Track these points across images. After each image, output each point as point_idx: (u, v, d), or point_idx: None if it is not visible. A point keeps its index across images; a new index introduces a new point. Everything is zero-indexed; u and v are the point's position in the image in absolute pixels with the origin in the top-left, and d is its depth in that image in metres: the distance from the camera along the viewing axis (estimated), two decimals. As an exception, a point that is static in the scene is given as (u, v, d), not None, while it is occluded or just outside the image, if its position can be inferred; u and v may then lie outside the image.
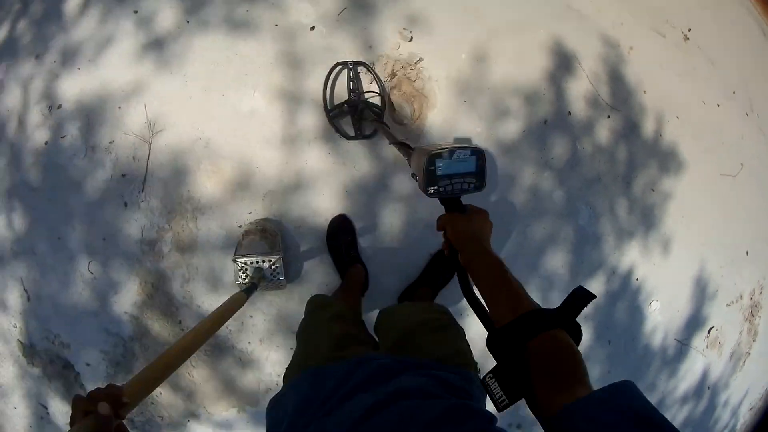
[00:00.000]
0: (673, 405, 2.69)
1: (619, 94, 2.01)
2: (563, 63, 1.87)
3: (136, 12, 1.75)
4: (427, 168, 0.76)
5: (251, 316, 1.73)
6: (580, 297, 0.58)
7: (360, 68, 1.69)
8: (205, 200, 1.71)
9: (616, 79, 2.00)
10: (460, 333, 1.04)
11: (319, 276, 1.75)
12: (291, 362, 0.95)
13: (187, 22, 1.72)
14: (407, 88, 1.75)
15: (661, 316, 2.37)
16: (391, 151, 1.70)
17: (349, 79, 1.66)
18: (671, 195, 2.19)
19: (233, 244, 1.69)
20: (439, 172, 0.77)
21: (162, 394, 1.89)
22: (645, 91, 2.09)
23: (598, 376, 2.26)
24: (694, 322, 2.55)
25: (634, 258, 2.12)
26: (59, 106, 1.76)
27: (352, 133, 1.70)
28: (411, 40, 1.75)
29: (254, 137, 1.67)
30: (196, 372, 1.87)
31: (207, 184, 1.70)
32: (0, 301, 1.92)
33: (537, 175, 1.81)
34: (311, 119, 1.68)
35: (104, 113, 1.73)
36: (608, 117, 1.96)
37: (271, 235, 1.62)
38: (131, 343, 1.84)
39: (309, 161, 1.69)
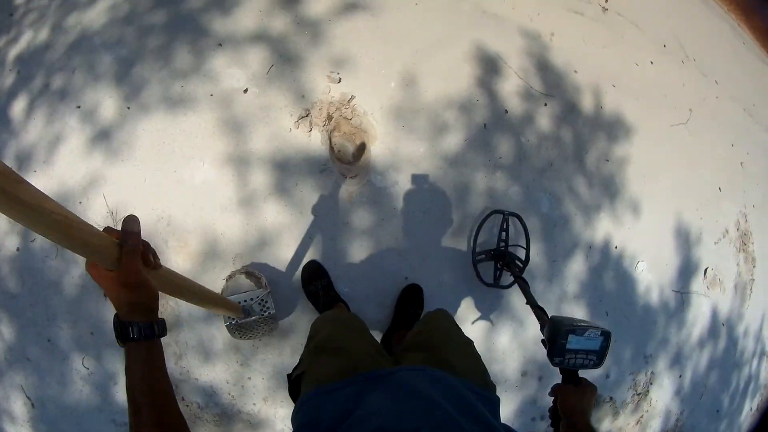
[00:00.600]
0: (692, 351, 2.66)
1: (550, 80, 2.07)
2: (490, 66, 1.94)
3: (78, 107, 1.82)
4: (560, 341, 0.85)
5: (249, 378, 1.77)
6: None
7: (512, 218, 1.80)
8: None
9: (544, 67, 2.07)
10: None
11: (305, 323, 1.79)
12: (326, 369, 0.88)
13: (128, 108, 1.80)
14: (346, 127, 1.82)
15: (651, 274, 2.39)
16: (346, 191, 1.76)
17: (501, 229, 1.75)
18: (627, 160, 2.24)
19: (214, 313, 1.74)
20: (568, 346, 0.85)
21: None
22: (576, 71, 2.15)
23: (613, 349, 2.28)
24: (687, 269, 2.57)
25: (607, 228, 2.16)
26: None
27: (490, 279, 1.76)
28: (340, 81, 1.82)
29: (211, 206, 1.73)
30: (212, 443, 1.90)
31: (177, 259, 1.74)
32: (6, 412, 1.95)
33: (489, 178, 1.87)
34: (261, 177, 1.74)
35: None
36: (545, 105, 2.03)
37: (256, 277, 1.68)
38: None
39: (269, 217, 1.75)
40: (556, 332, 0.86)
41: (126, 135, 1.79)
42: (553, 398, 0.89)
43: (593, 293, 2.18)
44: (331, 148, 1.81)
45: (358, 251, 1.77)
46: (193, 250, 1.74)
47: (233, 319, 1.54)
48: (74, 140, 1.81)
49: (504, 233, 1.75)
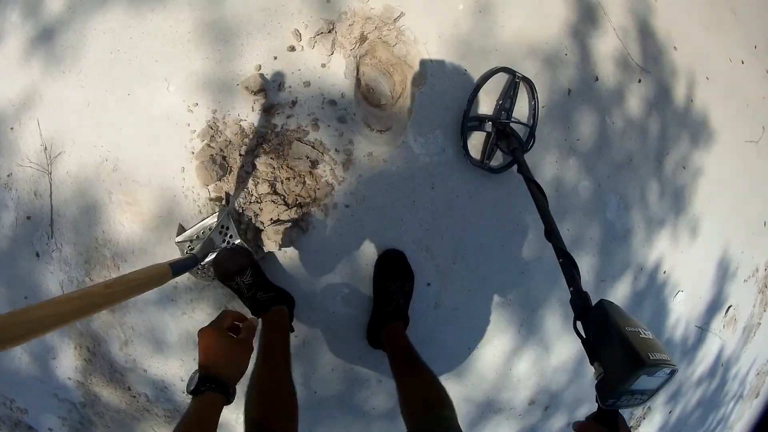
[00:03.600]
0: (688, 390, 2.46)
1: (650, 52, 1.54)
2: (588, 15, 1.38)
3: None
4: (630, 379, 0.59)
5: None
6: None
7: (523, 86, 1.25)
8: (125, 243, 1.20)
9: (645, 34, 1.53)
10: None
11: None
12: None
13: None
14: (384, 54, 1.23)
15: (685, 306, 2.03)
16: (368, 151, 1.20)
17: (506, 95, 1.22)
18: (701, 171, 1.79)
19: (170, 296, 1.21)
20: (634, 387, 0.60)
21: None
22: (675, 47, 1.63)
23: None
24: (714, 305, 2.25)
25: (663, 249, 1.73)
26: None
27: (477, 156, 1.26)
28: (387, -13, 1.22)
29: (174, 150, 1.14)
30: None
31: (123, 220, 1.18)
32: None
33: (560, 165, 1.35)
34: (249, 116, 1.14)
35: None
36: (639, 81, 1.50)
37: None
38: (84, 409, 1.48)
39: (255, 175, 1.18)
40: (628, 365, 0.59)
41: (72, 36, 1.16)
42: None
43: (628, 321, 1.78)
44: (358, 81, 1.23)
45: (369, 248, 1.25)
46: (144, 211, 1.17)
47: (192, 255, 0.98)
48: (13, 41, 1.20)
49: (510, 100, 1.23)
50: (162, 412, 1.42)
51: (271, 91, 1.14)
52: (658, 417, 2.42)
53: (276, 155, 1.15)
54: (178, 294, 1.22)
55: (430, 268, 1.29)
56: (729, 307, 2.38)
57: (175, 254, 1.14)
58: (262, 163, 1.14)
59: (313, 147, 1.16)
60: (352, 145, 1.18)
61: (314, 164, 1.17)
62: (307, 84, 1.16)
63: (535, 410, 1.73)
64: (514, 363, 1.56)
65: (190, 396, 0.71)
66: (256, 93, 1.12)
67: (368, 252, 1.24)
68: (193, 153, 1.13)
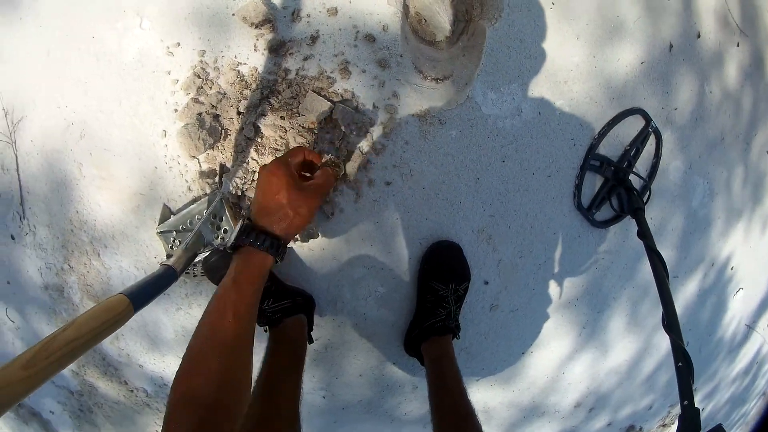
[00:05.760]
0: (723, 388, 2.27)
1: (748, 13, 1.25)
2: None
3: None
4: None
5: None
6: None
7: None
8: (103, 225, 0.93)
9: (748, -15, 1.24)
10: None
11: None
12: None
13: None
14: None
15: (741, 303, 1.80)
16: (419, 105, 0.92)
17: (636, 142, 1.04)
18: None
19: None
20: None
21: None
22: (771, 7, 1.34)
23: (667, 380, 1.74)
24: (766, 303, 2.03)
25: (736, 243, 1.49)
26: None
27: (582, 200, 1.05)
28: None
29: (151, 108, 0.84)
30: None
31: (99, 199, 0.90)
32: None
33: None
34: (250, 57, 0.82)
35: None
36: (737, 45, 1.22)
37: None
38: (81, 398, 1.31)
39: (258, 138, 0.91)
40: None
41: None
42: None
43: (689, 320, 1.56)
44: (406, 9, 0.93)
45: (414, 238, 0.96)
46: (121, 187, 0.89)
47: (165, 269, 0.71)
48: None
49: (636, 149, 1.04)
50: (163, 408, 1.21)
51: (280, 22, 0.81)
52: (691, 416, 2.25)
53: (288, 114, 0.82)
54: (171, 288, 0.96)
55: (490, 263, 1.03)
56: (778, 306, 2.17)
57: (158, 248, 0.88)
58: (269, 125, 0.82)
59: (341, 102, 0.82)
60: (396, 99, 0.85)
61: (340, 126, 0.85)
62: (333, 12, 0.81)
63: (579, 412, 1.53)
64: (568, 367, 1.34)
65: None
66: (259, 25, 0.80)
67: (413, 243, 0.95)
68: (176, 111, 0.83)
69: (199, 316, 0.89)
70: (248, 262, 0.57)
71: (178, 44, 0.81)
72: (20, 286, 1.09)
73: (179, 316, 0.99)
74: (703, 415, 2.30)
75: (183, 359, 0.54)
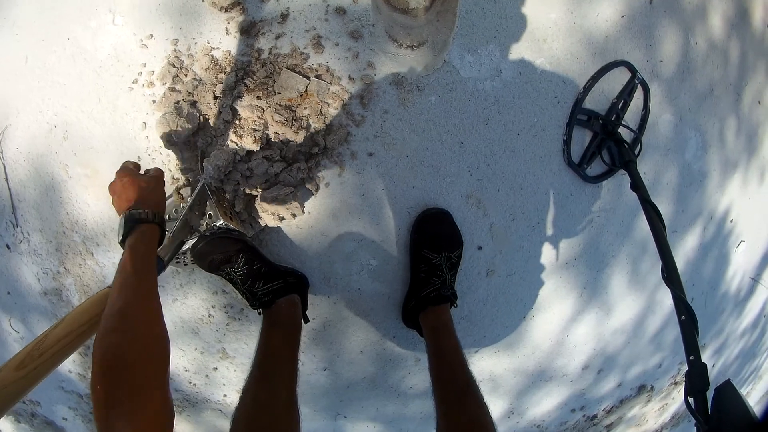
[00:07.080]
0: (732, 343, 2.26)
1: (732, -46, 1.22)
2: None
3: None
4: None
5: (215, 368, 1.06)
6: None
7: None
8: (93, 224, 0.95)
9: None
10: None
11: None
12: None
13: None
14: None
15: (744, 257, 1.78)
16: (395, 74, 0.92)
17: (623, 94, 1.02)
18: (776, 104, 1.49)
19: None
20: None
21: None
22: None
23: (675, 337, 1.74)
24: (769, 255, 2.01)
25: (733, 195, 1.47)
26: None
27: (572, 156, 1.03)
28: None
29: (129, 102, 0.86)
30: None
31: (86, 198, 0.93)
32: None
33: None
34: (224, 42, 0.84)
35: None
36: (721, -8, 1.19)
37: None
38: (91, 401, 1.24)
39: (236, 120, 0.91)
40: None
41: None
42: None
43: (691, 275, 1.55)
44: None
45: (402, 207, 0.97)
46: (107, 184, 0.90)
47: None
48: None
49: (623, 102, 1.02)
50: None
51: (250, 3, 0.82)
52: (701, 372, 2.24)
53: (264, 93, 0.83)
54: (164, 279, 0.98)
55: (482, 227, 1.03)
56: (783, 258, 2.14)
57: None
58: (246, 107, 0.83)
59: (315, 76, 0.82)
60: (372, 69, 0.86)
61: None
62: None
63: (587, 374, 1.54)
64: (572, 329, 1.34)
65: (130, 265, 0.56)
66: (228, 9, 0.81)
67: (402, 213, 0.95)
68: (154, 102, 0.84)
69: (195, 306, 0.91)
70: (142, 235, 0.63)
71: (151, 36, 0.82)
72: (20, 295, 1.11)
73: (176, 306, 1.01)
74: (713, 372, 2.31)
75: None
